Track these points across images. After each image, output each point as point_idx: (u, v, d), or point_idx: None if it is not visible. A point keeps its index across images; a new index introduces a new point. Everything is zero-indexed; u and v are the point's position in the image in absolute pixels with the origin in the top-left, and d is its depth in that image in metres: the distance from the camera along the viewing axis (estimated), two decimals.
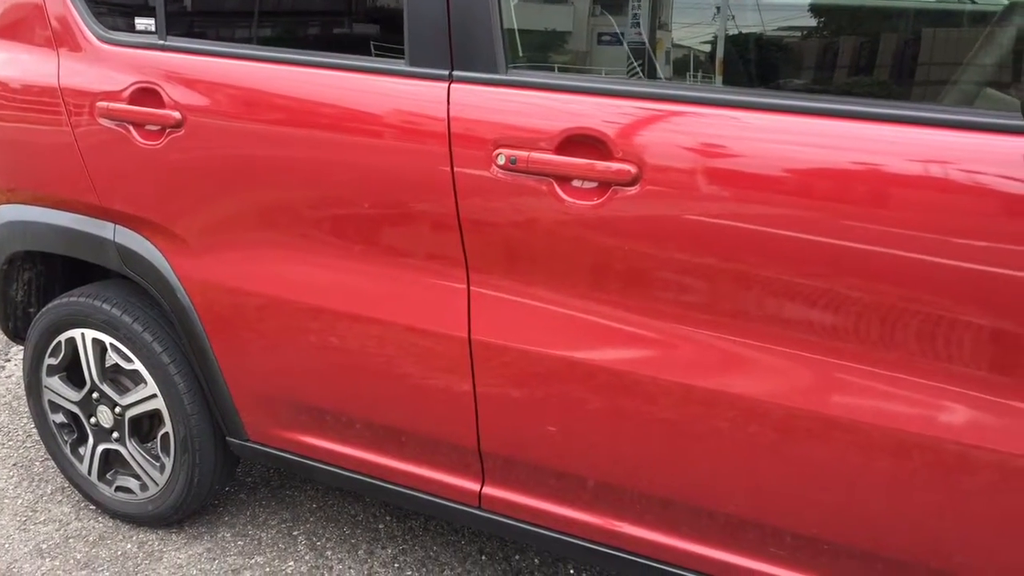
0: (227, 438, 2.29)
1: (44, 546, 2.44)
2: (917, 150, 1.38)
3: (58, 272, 2.57)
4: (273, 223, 1.96)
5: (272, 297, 2.02)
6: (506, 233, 1.70)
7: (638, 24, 2.23)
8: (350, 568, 2.34)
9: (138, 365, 2.31)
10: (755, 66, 2.38)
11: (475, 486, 1.96)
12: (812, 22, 2.75)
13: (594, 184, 1.59)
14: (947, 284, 1.38)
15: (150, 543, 2.46)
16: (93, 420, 2.47)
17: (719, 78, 2.22)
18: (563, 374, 1.73)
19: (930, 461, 1.47)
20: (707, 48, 2.30)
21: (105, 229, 2.21)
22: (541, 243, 1.67)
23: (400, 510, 2.57)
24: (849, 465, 1.53)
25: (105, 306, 2.31)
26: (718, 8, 2.39)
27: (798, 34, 2.58)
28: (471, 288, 1.78)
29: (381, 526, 2.51)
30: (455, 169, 1.70)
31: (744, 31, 2.38)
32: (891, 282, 1.42)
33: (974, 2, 2.49)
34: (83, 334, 2.38)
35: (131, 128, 2.06)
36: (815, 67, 2.45)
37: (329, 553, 2.40)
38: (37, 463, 2.85)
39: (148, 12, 2.06)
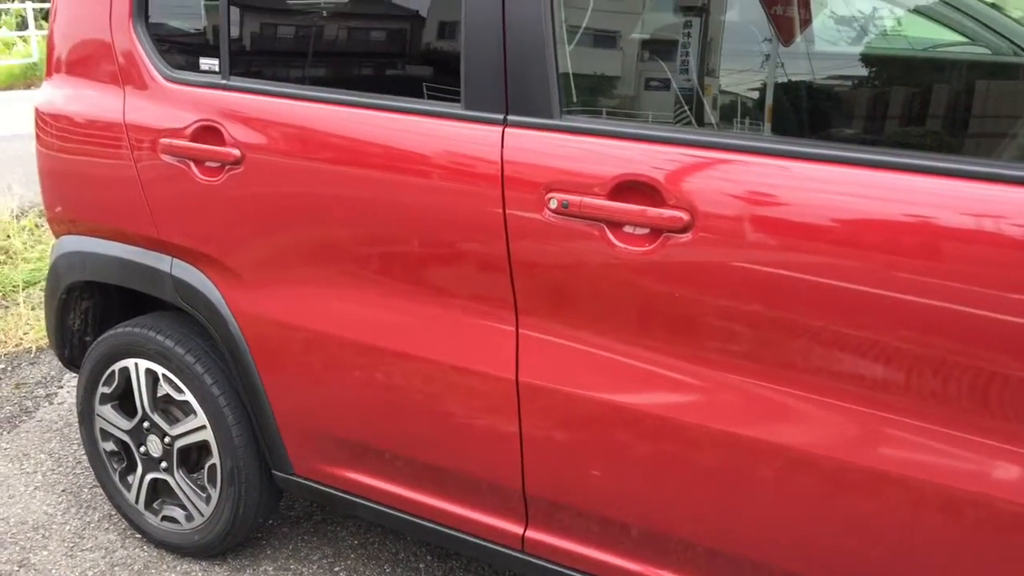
0: (273, 471, 2.32)
1: (90, 573, 2.47)
2: (967, 204, 1.37)
3: (114, 303, 2.63)
4: (326, 260, 1.99)
5: (321, 333, 2.04)
6: (556, 276, 1.71)
7: (687, 70, 2.24)
8: None
9: (189, 396, 2.35)
10: (804, 114, 2.38)
11: (519, 529, 1.96)
12: (863, 72, 2.76)
13: (646, 230, 1.60)
14: (993, 338, 1.37)
15: (193, 573, 2.48)
16: (143, 449, 2.50)
17: (768, 126, 2.22)
18: (610, 419, 1.73)
19: (982, 518, 1.45)
20: (756, 95, 2.31)
21: (162, 262, 2.26)
22: (591, 287, 1.68)
23: (441, 550, 2.57)
24: (898, 520, 1.51)
25: (159, 337, 2.36)
26: (767, 56, 2.40)
27: (848, 83, 2.59)
28: (519, 330, 1.79)
29: (422, 565, 2.51)
30: (507, 212, 1.72)
31: (793, 79, 2.39)
32: (936, 333, 1.41)
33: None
34: (136, 364, 2.42)
35: (192, 164, 2.12)
36: (864, 117, 2.45)
37: None
38: (86, 490, 2.89)
39: (212, 52, 2.12)
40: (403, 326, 1.94)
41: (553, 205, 1.66)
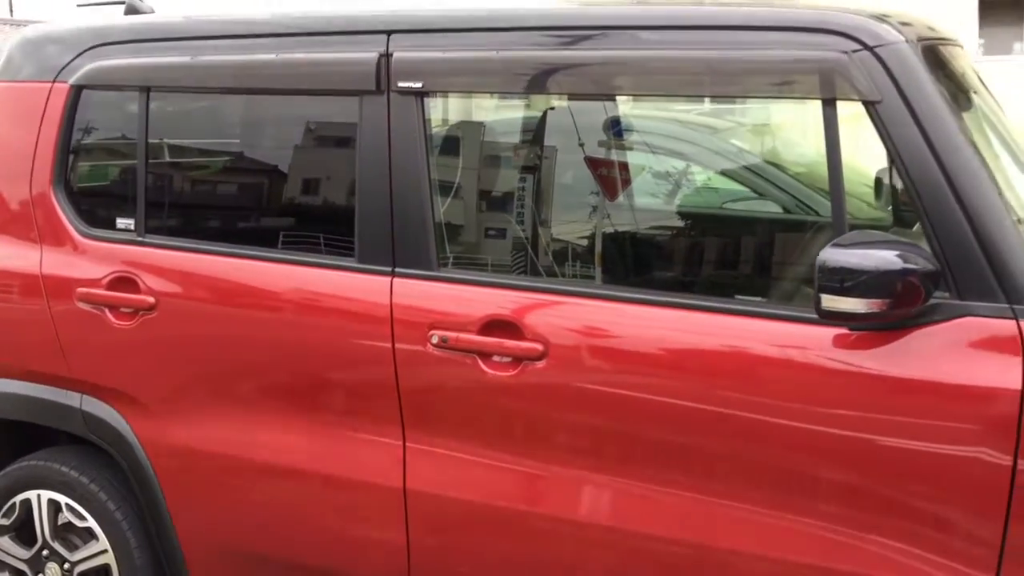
0: None
1: None
2: (756, 336, 1.86)
3: (12, 439, 2.79)
4: (232, 392, 2.31)
5: (226, 456, 2.33)
6: (438, 398, 2.10)
7: (522, 220, 2.72)
8: None
9: (91, 523, 2.54)
10: (629, 262, 2.90)
11: None
12: (677, 224, 3.34)
13: (509, 359, 2.02)
14: (785, 439, 1.84)
15: None
16: None
17: (599, 270, 2.72)
18: (485, 516, 2.09)
19: None
20: (585, 243, 2.81)
21: (72, 398, 2.50)
22: (467, 406, 2.08)
23: None
24: None
25: (63, 468, 2.56)
26: (594, 208, 2.93)
27: (664, 234, 3.15)
28: (406, 443, 2.15)
29: None
30: (396, 346, 2.10)
31: (619, 229, 2.92)
32: (744, 439, 1.86)
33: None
34: (39, 495, 2.60)
35: (107, 311, 2.40)
36: (678, 263, 3.00)
37: None
38: None
39: (127, 211, 2.44)
40: (301, 446, 2.26)
41: (435, 340, 2.06)
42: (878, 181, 2.80)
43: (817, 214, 3.13)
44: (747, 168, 3.86)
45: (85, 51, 2.49)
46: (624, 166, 3.11)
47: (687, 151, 3.99)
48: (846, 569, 1.82)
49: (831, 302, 1.67)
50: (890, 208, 2.76)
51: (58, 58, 2.53)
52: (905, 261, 1.65)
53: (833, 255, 1.66)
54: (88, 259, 2.45)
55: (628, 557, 1.99)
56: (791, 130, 4.23)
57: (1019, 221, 1.86)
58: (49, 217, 2.51)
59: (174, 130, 2.57)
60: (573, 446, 2.01)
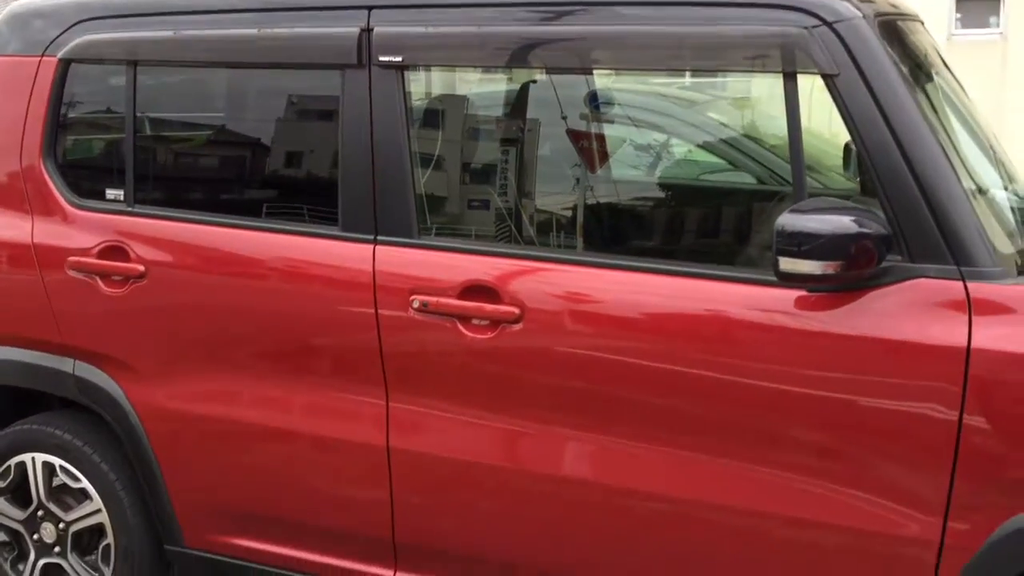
0: (165, 546, 2.62)
1: None
2: (724, 299, 1.95)
3: (7, 404, 2.87)
4: (221, 355, 2.39)
5: (216, 417, 2.42)
6: (419, 360, 2.19)
7: (504, 192, 2.80)
8: None
9: (85, 484, 2.63)
10: (610, 230, 3.00)
11: (389, 572, 2.36)
12: (657, 194, 3.43)
13: (487, 322, 2.11)
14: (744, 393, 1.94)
15: None
16: (36, 537, 2.74)
17: (580, 240, 2.81)
18: (464, 472, 2.19)
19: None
20: (569, 214, 2.90)
21: (65, 364, 2.58)
22: (447, 368, 2.17)
23: None
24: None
25: (57, 432, 2.65)
26: (577, 180, 3.02)
27: (645, 204, 3.24)
28: (389, 404, 2.24)
29: None
30: (379, 311, 2.19)
31: (601, 200, 3.01)
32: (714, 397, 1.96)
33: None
34: (33, 458, 2.68)
35: (98, 279, 2.47)
36: (657, 232, 3.09)
37: None
38: None
39: (117, 182, 2.51)
40: (288, 406, 2.35)
41: (416, 305, 2.15)
42: (846, 151, 2.89)
43: (789, 184, 3.22)
44: (723, 141, 3.96)
45: (72, 26, 2.55)
46: (605, 139, 3.20)
47: (666, 124, 4.08)
48: (812, 518, 1.93)
49: (789, 264, 1.76)
50: (857, 177, 2.86)
51: (45, 32, 2.59)
52: (859, 226, 1.75)
53: (791, 220, 1.76)
54: (79, 229, 2.52)
55: (606, 511, 2.09)
56: (767, 103, 4.31)
57: (973, 190, 1.97)
58: (40, 188, 2.58)
59: (162, 103, 2.64)
60: (549, 405, 2.11)
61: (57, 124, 2.58)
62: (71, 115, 2.63)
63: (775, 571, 2.00)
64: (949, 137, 2.06)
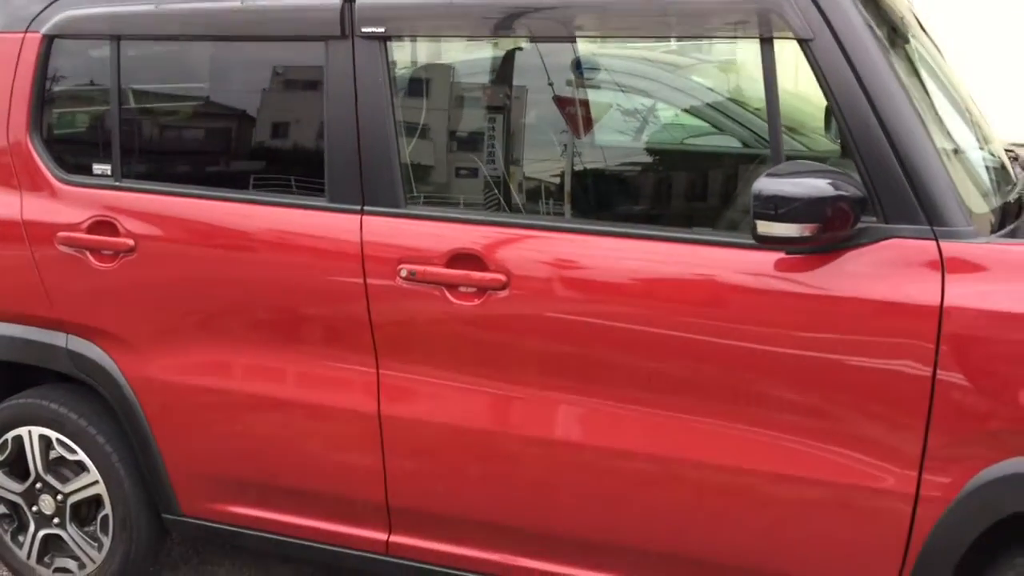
0: (162, 515, 2.67)
1: None
2: (708, 263, 1.99)
3: (1, 379, 2.90)
4: (211, 326, 2.43)
5: (208, 387, 2.46)
6: (407, 328, 2.23)
7: (492, 160, 2.82)
8: None
9: (82, 456, 2.67)
10: (595, 196, 3.02)
11: (383, 535, 2.41)
12: (644, 160, 3.45)
13: (474, 289, 2.14)
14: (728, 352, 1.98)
15: None
16: (35, 509, 2.78)
17: (567, 206, 2.84)
18: (454, 437, 2.24)
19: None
20: (556, 180, 2.92)
21: (58, 338, 2.61)
22: (435, 335, 2.21)
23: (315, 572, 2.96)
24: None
25: (52, 405, 2.69)
26: (563, 146, 3.04)
27: (632, 170, 3.27)
28: (380, 371, 2.28)
29: None
30: (367, 280, 2.22)
31: (588, 167, 3.03)
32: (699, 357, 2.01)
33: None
34: (30, 431, 2.72)
35: (88, 253, 2.50)
36: (643, 197, 3.12)
37: None
38: None
39: (104, 157, 2.53)
40: (280, 375, 2.39)
41: (404, 274, 2.18)
42: (827, 114, 2.92)
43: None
44: (708, 104, 3.97)
45: (54, 1, 2.55)
46: (591, 105, 3.22)
47: (652, 89, 4.09)
48: (794, 474, 1.98)
49: (767, 228, 1.80)
50: (838, 140, 2.89)
51: (28, 8, 2.59)
52: (835, 188, 1.79)
53: (768, 184, 1.79)
54: (67, 204, 2.54)
55: (594, 472, 2.14)
56: (751, 67, 4.32)
57: (947, 151, 2.00)
58: (27, 164, 2.59)
59: (146, 77, 2.64)
60: (537, 369, 2.15)
61: (43, 100, 2.59)
62: (56, 90, 2.63)
63: (758, 525, 2.05)
64: (924, 99, 2.09)
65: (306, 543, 2.51)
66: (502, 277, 2.11)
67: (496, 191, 2.68)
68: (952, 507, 1.86)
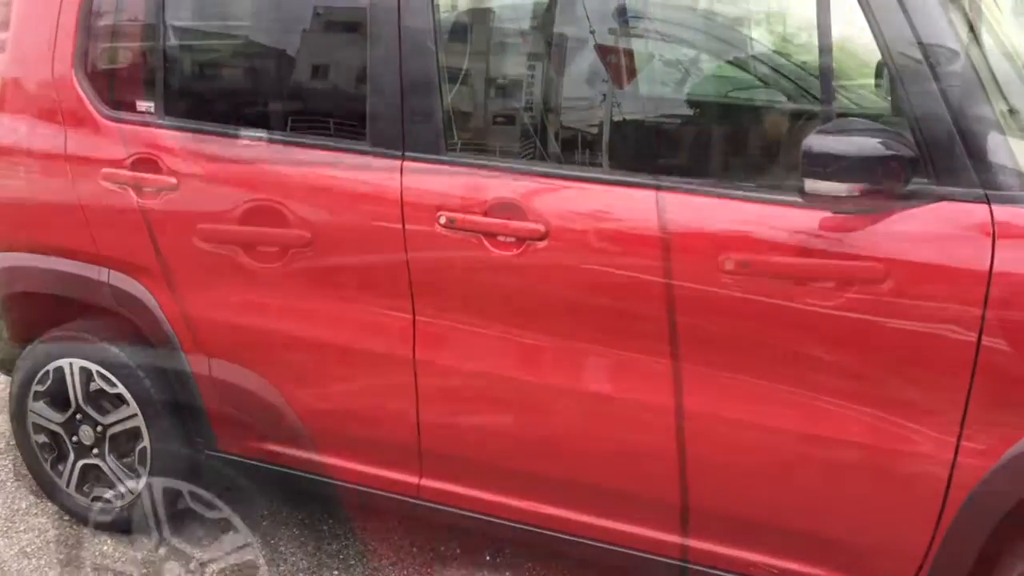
0: (199, 450, 2.72)
1: (28, 549, 2.80)
2: (748, 220, 1.96)
3: (44, 312, 2.95)
4: (250, 267, 2.44)
5: (247, 327, 2.48)
6: (445, 276, 2.23)
7: (531, 108, 2.79)
8: (302, 559, 2.78)
9: (121, 389, 2.72)
10: (634, 148, 2.98)
11: (415, 479, 2.44)
12: (686, 112, 3.40)
13: (513, 239, 2.13)
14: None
15: (123, 546, 2.83)
16: (75, 439, 2.85)
17: (606, 157, 2.80)
18: (488, 384, 2.25)
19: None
20: (595, 131, 2.89)
21: (101, 273, 2.64)
22: (472, 283, 2.21)
23: (341, 513, 3.01)
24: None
25: (93, 339, 2.73)
26: (604, 96, 2.99)
27: (674, 122, 3.22)
28: (416, 317, 2.29)
29: (325, 527, 2.95)
30: (406, 227, 2.22)
31: (628, 117, 2.99)
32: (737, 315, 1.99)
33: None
34: (71, 363, 2.77)
35: (131, 190, 2.52)
36: (684, 150, 3.07)
37: (282, 548, 2.83)
38: (8, 483, 3.18)
39: (148, 95, 2.53)
40: (318, 317, 2.40)
41: (443, 221, 2.17)
42: (878, 70, 2.85)
43: (819, 103, 3.18)
44: (754, 57, 3.89)
45: None
46: (634, 54, 3.16)
47: (696, 39, 4.01)
48: (832, 435, 1.98)
49: (814, 185, 1.77)
50: (889, 97, 2.82)
51: None
52: (886, 147, 1.75)
53: (817, 141, 1.76)
54: (111, 140, 2.55)
55: (628, 424, 2.15)
56: (800, 19, 4.23)
57: (1003, 111, 1.95)
58: (72, 100, 2.60)
59: (192, 14, 2.64)
60: (572, 320, 2.15)
61: (88, 35, 2.59)
62: (101, 25, 2.63)
63: (793, 485, 2.05)
64: (980, 56, 2.03)
65: (339, 483, 2.55)
66: (541, 228, 2.10)
67: (535, 139, 2.65)
68: (989, 475, 1.84)
